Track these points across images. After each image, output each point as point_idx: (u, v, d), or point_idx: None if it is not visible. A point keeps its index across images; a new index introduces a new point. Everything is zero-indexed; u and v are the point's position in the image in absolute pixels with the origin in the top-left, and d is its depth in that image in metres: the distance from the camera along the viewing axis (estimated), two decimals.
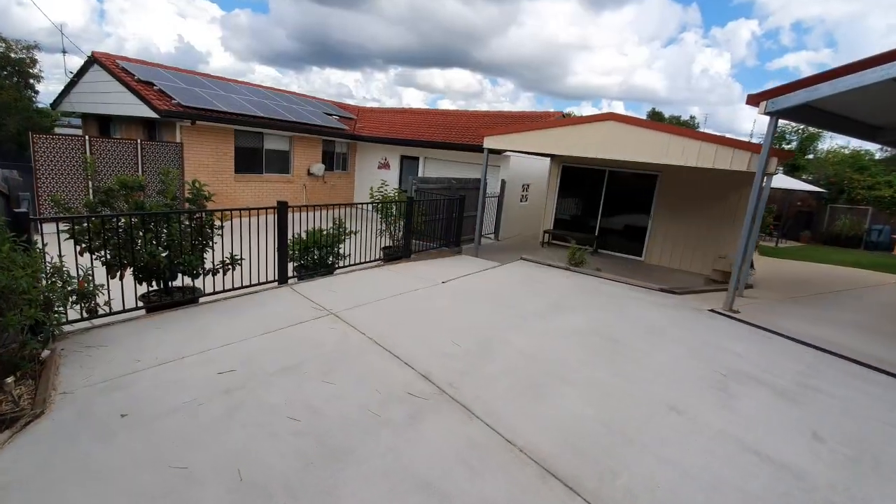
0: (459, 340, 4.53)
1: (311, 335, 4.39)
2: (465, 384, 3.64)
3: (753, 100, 6.19)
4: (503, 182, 13.30)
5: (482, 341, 4.58)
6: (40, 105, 16.83)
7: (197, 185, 5.07)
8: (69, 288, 3.75)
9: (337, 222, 7.21)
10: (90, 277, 3.82)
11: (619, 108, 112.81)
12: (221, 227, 5.36)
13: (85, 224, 4.41)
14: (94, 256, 4.40)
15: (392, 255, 8.27)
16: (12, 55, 13.36)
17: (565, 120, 8.78)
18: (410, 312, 5.32)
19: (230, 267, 5.50)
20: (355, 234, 7.48)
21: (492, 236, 13.36)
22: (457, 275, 7.32)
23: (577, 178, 12.33)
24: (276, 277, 6.12)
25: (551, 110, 15.50)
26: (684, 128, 7.86)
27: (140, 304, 4.81)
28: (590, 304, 6.32)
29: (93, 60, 13.02)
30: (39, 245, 3.75)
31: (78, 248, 4.34)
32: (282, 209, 5.94)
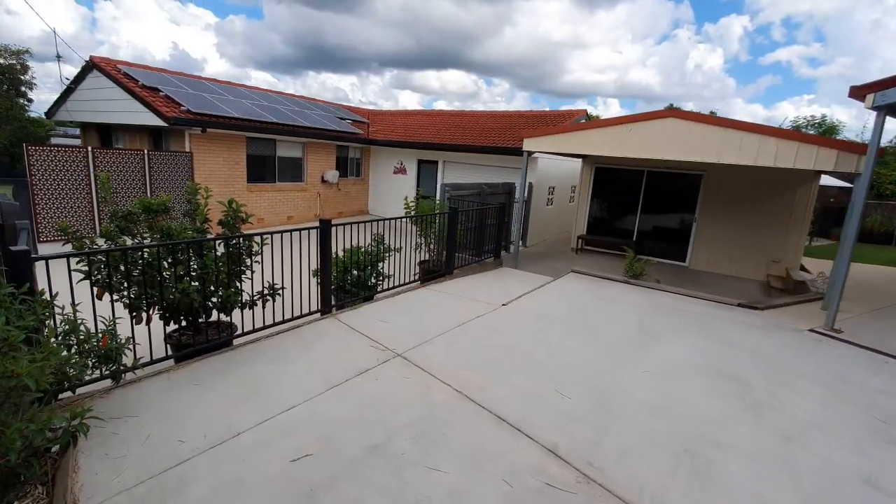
0: (564, 389, 3.68)
1: (385, 390, 3.52)
2: (608, 461, 2.79)
3: (858, 92, 5.37)
4: (530, 185, 12.46)
5: (591, 389, 3.73)
6: (34, 114, 15.91)
7: (234, 205, 4.20)
8: (87, 346, 2.87)
9: (377, 238, 6.40)
10: (114, 333, 2.94)
11: (614, 105, 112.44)
12: (261, 253, 4.49)
13: (102, 258, 3.53)
14: (114, 298, 3.52)
15: (431, 272, 7.41)
16: (1, 61, 12.40)
17: (616, 119, 7.95)
18: (487, 349, 4.46)
19: (269, 298, 4.64)
20: (398, 251, 6.63)
21: (519, 243, 12.53)
22: (513, 294, 6.47)
23: (611, 179, 11.52)
24: (319, 307, 5.25)
25: (574, 108, 14.70)
26: (758, 124, 7.05)
27: (168, 350, 3.94)
28: (677, 328, 5.48)
29: (91, 66, 12.08)
30: (46, 293, 2.87)
31: (95, 288, 3.46)
32: (325, 228, 5.06)
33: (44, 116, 14.53)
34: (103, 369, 2.97)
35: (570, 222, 16.46)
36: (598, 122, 8.30)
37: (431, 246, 7.62)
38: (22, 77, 13.24)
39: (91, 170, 9.25)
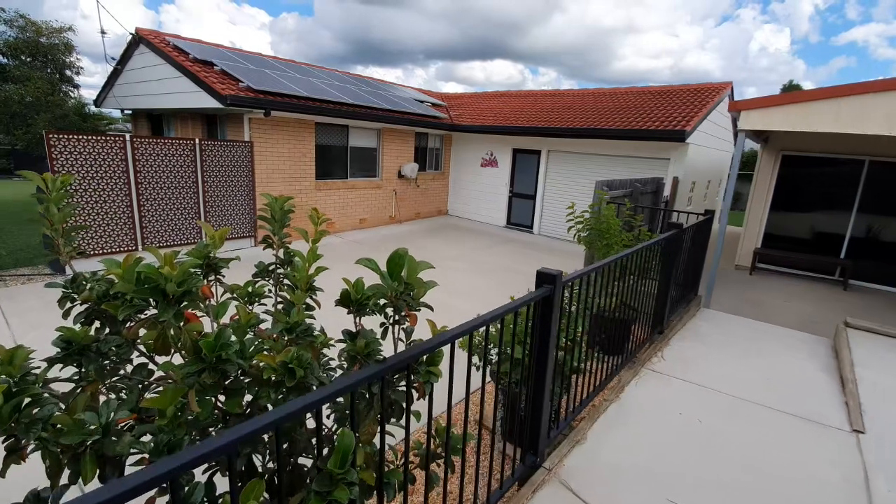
0: None
1: None
2: None
3: None
4: (675, 180, 9.23)
5: None
6: (92, 108, 14.18)
7: (411, 268, 1.40)
8: None
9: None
10: None
11: None
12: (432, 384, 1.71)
13: None
14: None
15: (613, 324, 4.45)
16: (43, 40, 10.40)
17: None
18: None
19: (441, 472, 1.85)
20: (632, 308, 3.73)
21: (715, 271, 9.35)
22: (830, 392, 3.44)
23: (808, 173, 8.09)
24: (517, 447, 2.46)
25: (718, 82, 11.18)
26: None
27: None
28: None
29: (138, 40, 9.88)
30: None
31: None
32: (551, 296, 2.21)
33: (95, 105, 12.66)
34: None
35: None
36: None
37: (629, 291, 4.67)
38: (65, 59, 11.32)
39: (130, 164, 6.96)
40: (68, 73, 11.37)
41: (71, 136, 6.47)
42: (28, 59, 10.33)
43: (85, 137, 6.57)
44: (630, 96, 11.73)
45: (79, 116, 11.41)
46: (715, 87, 10.85)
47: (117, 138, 6.90)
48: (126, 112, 12.30)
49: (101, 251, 6.82)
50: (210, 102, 7.87)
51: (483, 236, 10.79)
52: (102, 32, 10.07)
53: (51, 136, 6.31)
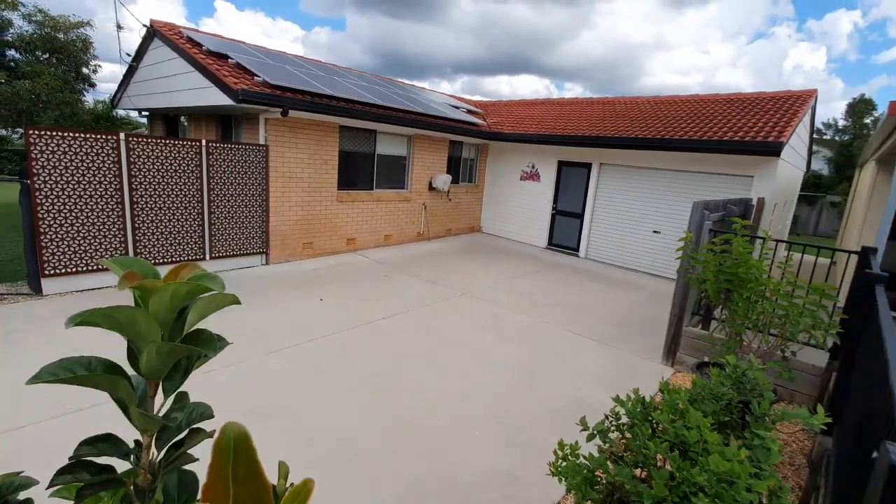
0: None
1: None
2: None
3: None
4: (761, 202, 7.68)
5: None
6: (120, 112, 13.53)
7: None
8: None
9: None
10: None
11: None
12: None
13: None
14: None
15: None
16: (60, 36, 9.63)
17: None
18: None
19: None
20: None
21: None
22: None
23: None
24: None
25: (800, 89, 9.59)
26: None
27: None
28: None
29: (152, 34, 9.00)
30: None
31: None
32: None
33: (109, 107, 11.90)
34: None
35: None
36: None
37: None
38: (83, 56, 10.58)
39: (124, 167, 5.89)
40: (85, 70, 10.63)
41: (54, 133, 5.43)
42: (44, 56, 9.61)
43: (70, 135, 5.52)
44: (693, 105, 10.24)
45: (92, 116, 10.61)
46: (799, 94, 9.28)
47: (109, 137, 5.84)
48: (143, 114, 11.49)
49: (85, 268, 5.74)
50: (222, 99, 6.80)
51: (523, 259, 9.41)
52: (118, 27, 9.22)
53: (31, 131, 5.29)
